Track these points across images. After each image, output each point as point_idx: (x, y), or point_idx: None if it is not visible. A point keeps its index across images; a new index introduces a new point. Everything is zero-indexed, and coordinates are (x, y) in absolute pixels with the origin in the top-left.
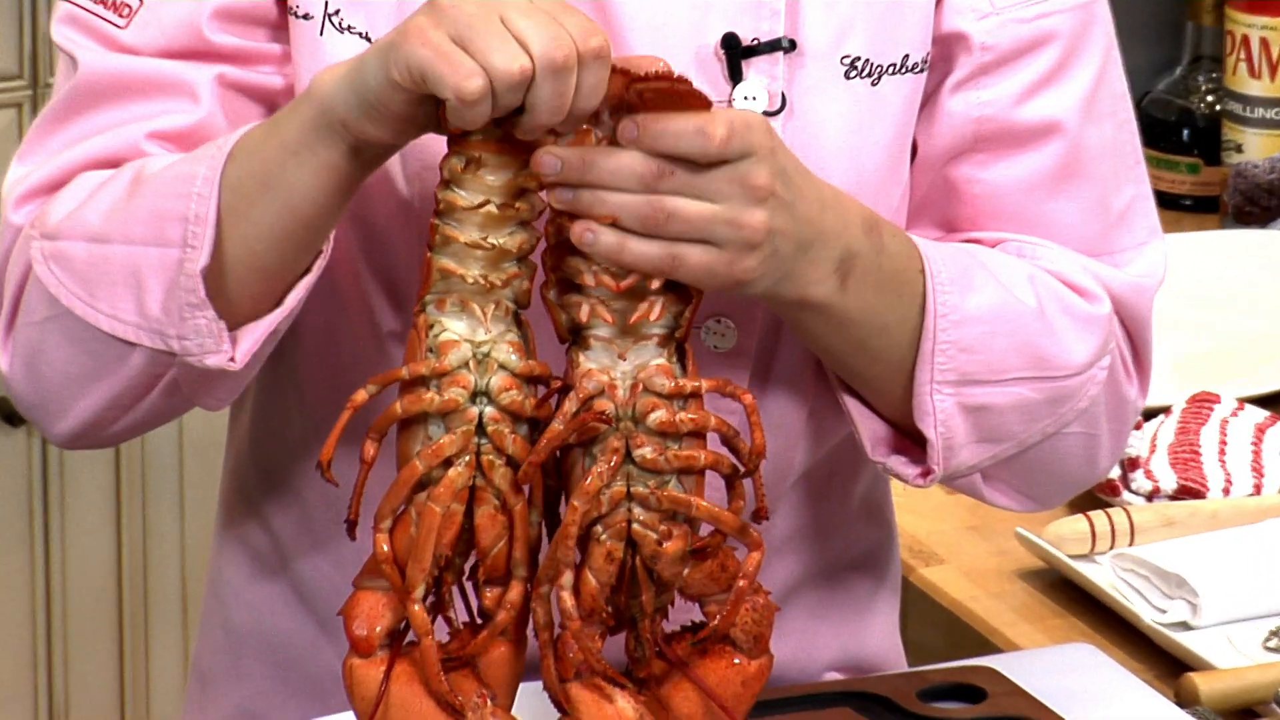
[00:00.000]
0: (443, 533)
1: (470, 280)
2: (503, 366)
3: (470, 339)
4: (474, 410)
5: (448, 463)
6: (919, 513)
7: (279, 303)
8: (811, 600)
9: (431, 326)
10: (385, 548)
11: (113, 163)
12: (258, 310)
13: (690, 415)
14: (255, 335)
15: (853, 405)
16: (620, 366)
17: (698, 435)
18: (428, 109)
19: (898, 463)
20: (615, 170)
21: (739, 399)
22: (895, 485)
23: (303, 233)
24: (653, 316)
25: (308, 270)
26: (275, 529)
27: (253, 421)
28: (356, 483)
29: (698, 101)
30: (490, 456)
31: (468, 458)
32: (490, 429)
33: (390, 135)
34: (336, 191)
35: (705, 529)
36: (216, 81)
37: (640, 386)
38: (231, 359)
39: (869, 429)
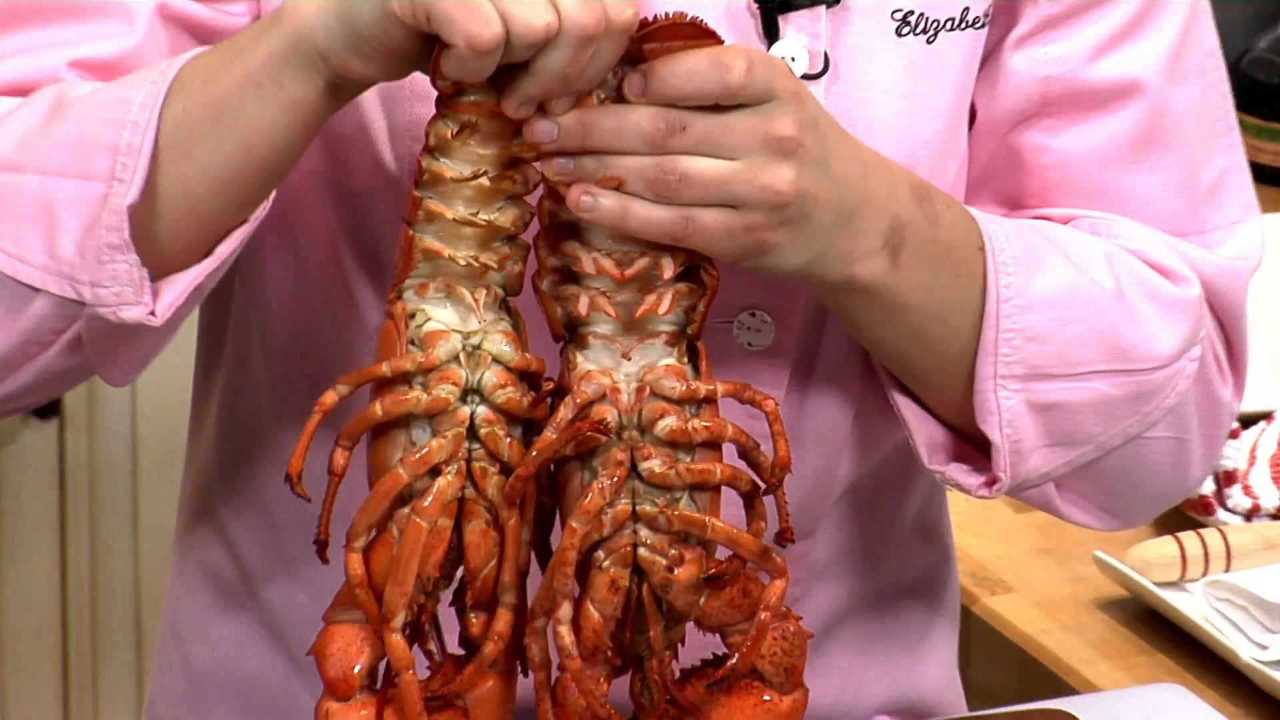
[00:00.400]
0: (429, 551)
1: (460, 262)
2: (496, 360)
3: (459, 329)
4: (465, 410)
5: (434, 471)
6: (982, 533)
7: (209, 253)
8: (858, 633)
9: (413, 316)
10: (359, 570)
11: (25, 91)
12: (185, 261)
13: (704, 423)
14: (180, 288)
15: (906, 406)
16: (624, 367)
17: (713, 446)
18: (423, 46)
19: (958, 471)
20: (620, 130)
21: (759, 405)
22: (954, 501)
23: (255, 177)
24: (661, 310)
25: (247, 220)
26: (242, 552)
27: (218, 427)
28: (325, 497)
29: (711, 40)
30: (483, 463)
31: (458, 465)
32: (483, 431)
33: (379, 72)
34: (301, 132)
35: (722, 553)
36: (157, 12)
37: (647, 390)
38: (152, 313)
39: (925, 433)
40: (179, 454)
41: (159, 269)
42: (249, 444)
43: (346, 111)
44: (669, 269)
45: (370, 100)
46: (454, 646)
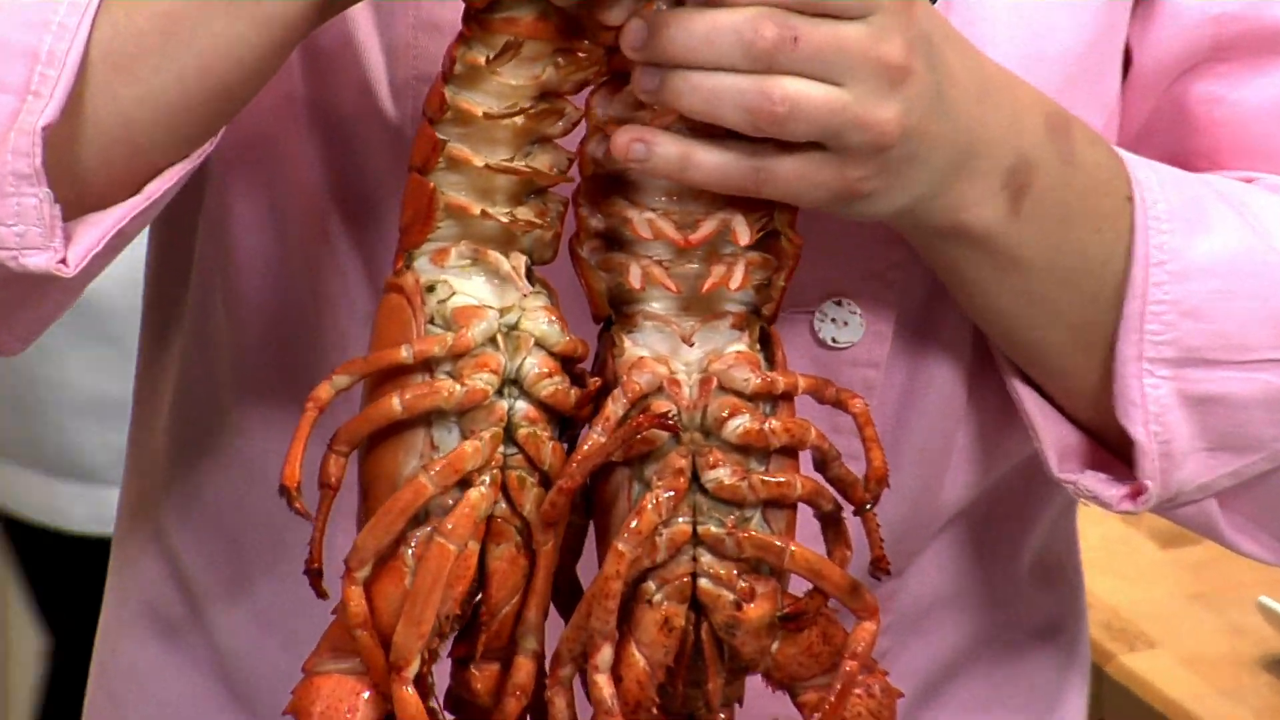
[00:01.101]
0: (454, 581)
1: (499, 219)
2: (539, 343)
3: (492, 303)
4: (503, 405)
5: (464, 481)
6: (1119, 574)
7: (138, 190)
8: (963, 693)
9: (431, 289)
10: (362, 607)
11: None
12: (107, 199)
13: (783, 424)
14: (99, 231)
15: (1029, 399)
16: (684, 354)
17: (789, 453)
18: None
19: (1094, 480)
20: (713, 35)
21: (845, 406)
22: (1086, 534)
23: (210, 104)
24: (733, 285)
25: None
26: (196, 584)
27: (170, 419)
28: (318, 516)
29: None
30: (520, 471)
31: (492, 473)
32: (522, 432)
33: None
34: (274, 53)
35: (797, 586)
36: None
37: (714, 383)
38: (62, 261)
39: (1053, 434)
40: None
41: (74, 207)
42: (206, 439)
43: (331, 22)
44: (744, 234)
45: (359, 8)
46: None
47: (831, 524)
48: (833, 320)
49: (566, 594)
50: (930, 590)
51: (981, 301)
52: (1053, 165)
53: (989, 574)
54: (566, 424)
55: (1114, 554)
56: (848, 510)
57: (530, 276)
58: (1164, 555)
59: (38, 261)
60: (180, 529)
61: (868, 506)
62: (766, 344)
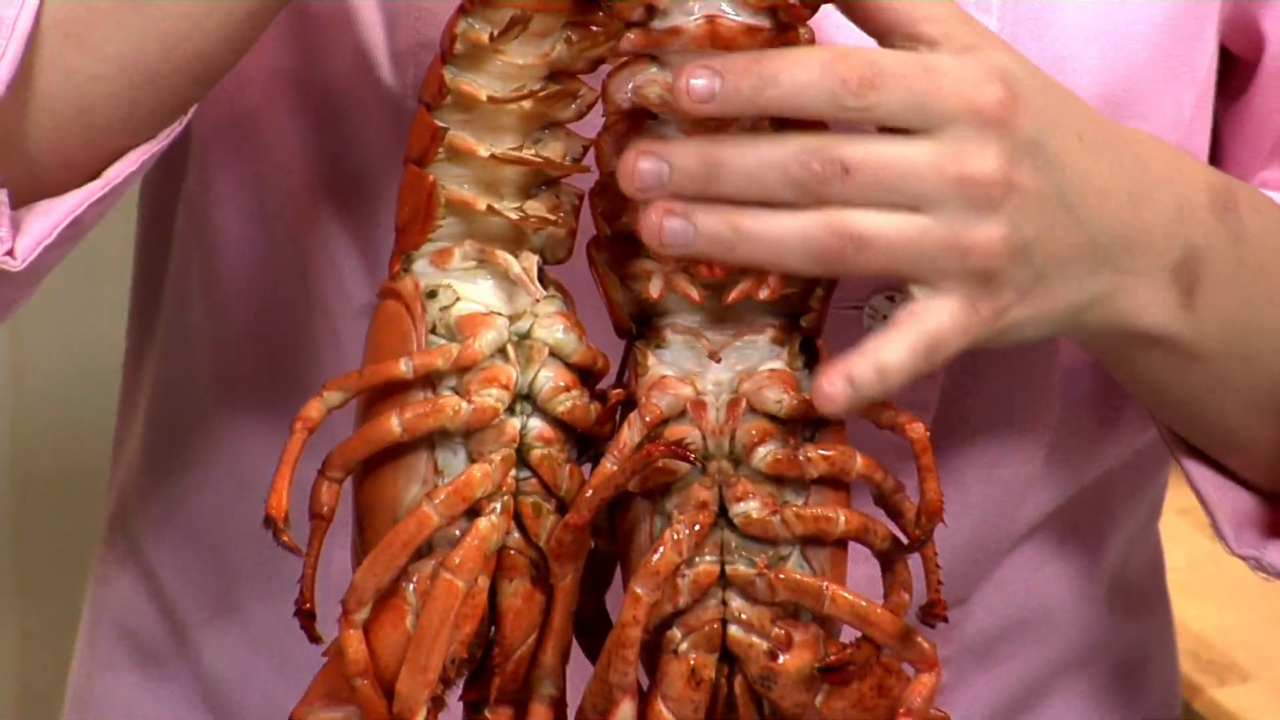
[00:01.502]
0: (460, 623)
1: (507, 216)
2: (554, 353)
3: (501, 310)
4: (515, 424)
5: (473, 509)
6: (1209, 598)
7: (97, 174)
8: None
9: (432, 294)
10: (362, 652)
11: None
12: (63, 184)
13: (823, 452)
14: (52, 220)
15: (1201, 475)
16: (712, 373)
17: (835, 484)
18: None
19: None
20: (757, 172)
21: (902, 431)
22: (1171, 552)
23: (174, 79)
24: (763, 294)
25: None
26: (177, 606)
27: (146, 425)
28: (309, 550)
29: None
30: (535, 498)
31: (504, 500)
32: (536, 454)
33: None
34: (250, 24)
35: (846, 633)
36: None
37: (743, 404)
38: (10, 253)
39: (1229, 505)
40: (91, 480)
41: (25, 193)
42: (186, 446)
43: None
44: None
45: None
46: None
47: (887, 564)
48: (884, 317)
49: (592, 631)
50: (997, 618)
51: (1159, 394)
52: (1223, 248)
53: (1063, 598)
54: (587, 443)
55: (1202, 576)
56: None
57: (543, 279)
58: (1258, 577)
59: None
60: (159, 546)
61: (922, 543)
62: (812, 360)
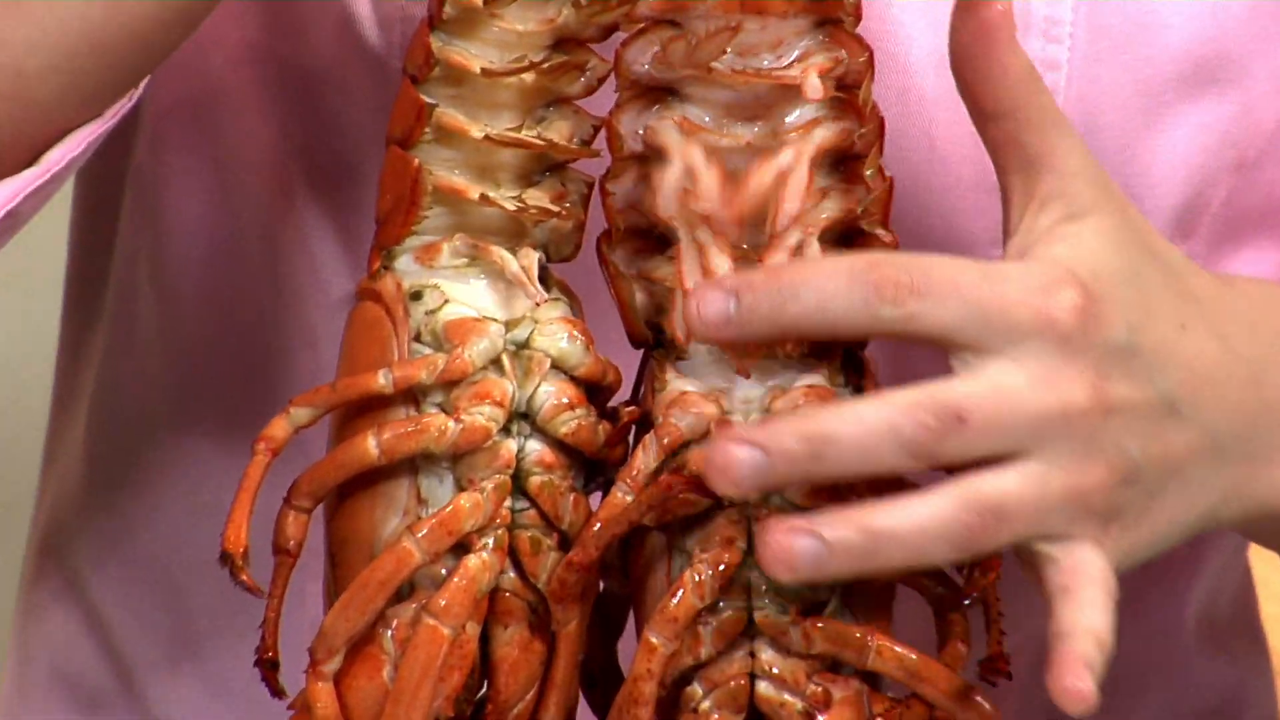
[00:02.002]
0: (446, 675)
1: (504, 206)
2: (557, 365)
3: (496, 315)
4: (510, 447)
5: (461, 545)
6: None
7: (36, 159)
8: None
9: (417, 296)
10: (332, 708)
11: None
12: (0, 169)
13: (869, 481)
14: None
15: None
16: (740, 390)
17: None
18: None
19: None
20: (866, 441)
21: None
22: (1267, 584)
23: (122, 51)
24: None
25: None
26: (124, 645)
27: (86, 438)
28: (272, 590)
29: None
30: (534, 532)
31: (496, 534)
32: (535, 481)
33: None
34: None
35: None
36: None
37: None
38: None
39: None
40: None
41: None
42: (134, 462)
43: None
44: (808, 226)
45: None
46: None
47: (941, 612)
48: None
49: (601, 685)
50: None
51: None
52: None
53: (1143, 643)
54: (595, 469)
55: None
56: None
57: (546, 279)
58: None
59: None
60: (101, 577)
61: (975, 596)
62: (856, 375)
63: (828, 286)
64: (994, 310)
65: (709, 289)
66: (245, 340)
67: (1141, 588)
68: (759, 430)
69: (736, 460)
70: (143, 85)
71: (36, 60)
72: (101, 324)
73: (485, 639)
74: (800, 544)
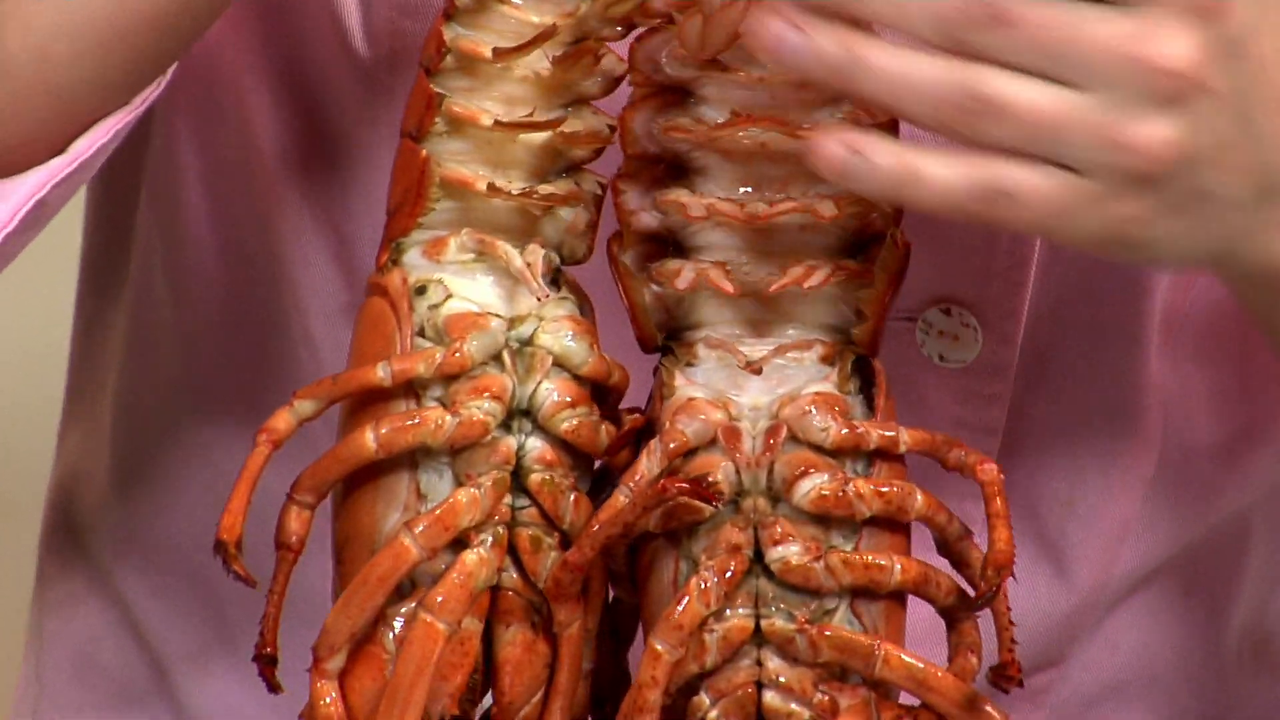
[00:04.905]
0: (448, 673)
1: (511, 197)
2: (559, 363)
3: (500, 311)
4: (509, 443)
5: (458, 541)
6: None
7: (63, 149)
8: None
9: (421, 290)
10: (334, 707)
11: None
12: (25, 159)
13: (877, 487)
14: (10, 205)
15: None
16: (749, 395)
17: (891, 527)
18: None
19: None
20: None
21: (970, 472)
22: None
23: (149, 34)
24: (811, 282)
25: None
26: (156, 645)
27: (114, 441)
28: (272, 589)
29: None
30: (534, 530)
31: (495, 531)
32: (535, 478)
33: None
34: None
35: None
36: None
37: (784, 432)
38: None
39: None
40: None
41: None
42: (158, 457)
43: None
44: (828, 206)
45: None
46: None
47: (953, 622)
48: (939, 332)
49: (612, 695)
50: (1099, 678)
51: None
52: None
53: (1182, 655)
54: (607, 476)
55: None
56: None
57: (559, 279)
58: None
59: None
60: (128, 570)
61: (988, 599)
62: (867, 382)
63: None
64: None
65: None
66: (256, 338)
67: (1180, 608)
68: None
69: (789, 37)
70: (170, 72)
71: (62, 46)
72: (118, 314)
73: (490, 639)
74: (789, 34)
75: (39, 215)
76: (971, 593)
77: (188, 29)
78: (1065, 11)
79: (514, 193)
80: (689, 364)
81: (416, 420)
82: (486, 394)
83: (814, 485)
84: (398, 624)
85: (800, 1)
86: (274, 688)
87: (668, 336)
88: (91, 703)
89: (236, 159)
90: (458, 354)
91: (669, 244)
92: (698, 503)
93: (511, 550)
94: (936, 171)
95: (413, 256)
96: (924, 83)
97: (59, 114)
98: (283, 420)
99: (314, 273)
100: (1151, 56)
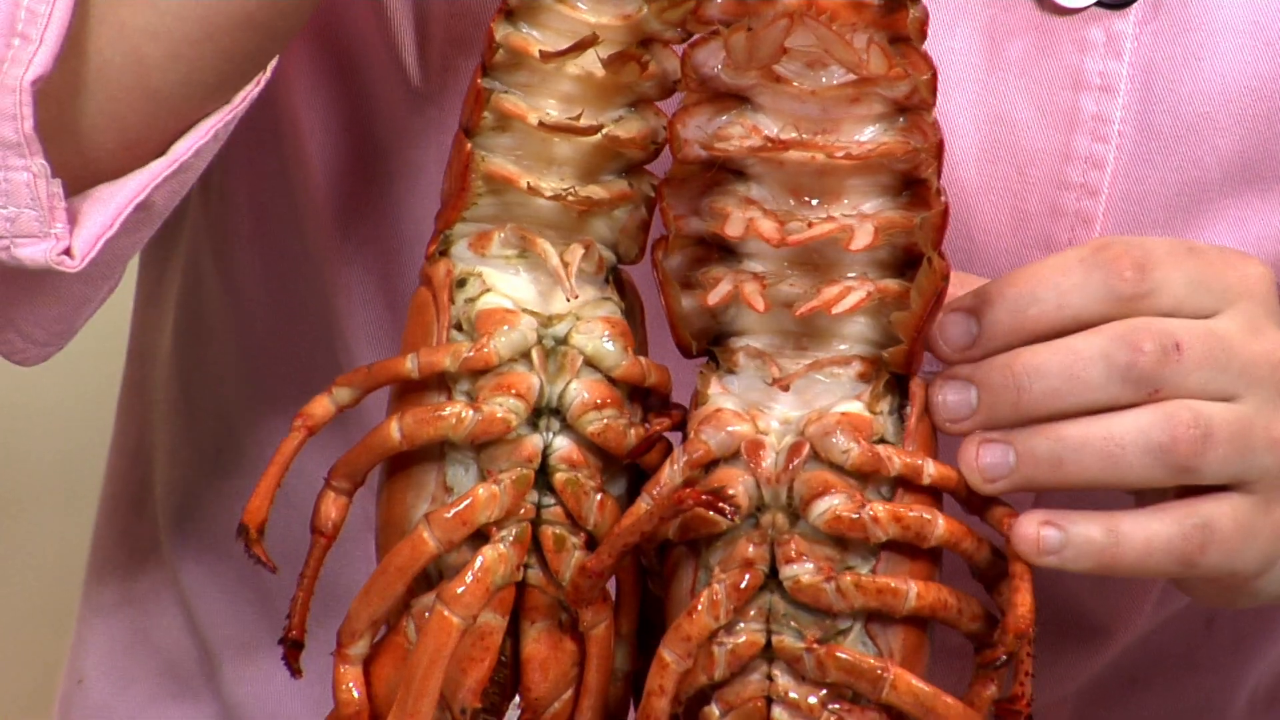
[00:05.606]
0: (467, 666)
1: (547, 195)
2: (590, 363)
3: (535, 308)
4: (535, 441)
5: (481, 535)
6: None
7: (162, 152)
8: None
9: (462, 283)
10: (355, 692)
11: None
12: (123, 165)
13: (894, 513)
14: (111, 209)
15: None
16: (778, 409)
17: (914, 553)
18: None
19: None
20: (1078, 368)
21: (999, 527)
22: None
23: (241, 34)
24: (847, 305)
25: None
26: (212, 634)
27: (173, 437)
28: (304, 573)
29: None
30: (559, 529)
31: (517, 528)
32: (560, 477)
33: None
34: None
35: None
36: None
37: (806, 450)
38: (66, 252)
39: None
40: (88, 469)
41: (81, 179)
42: (215, 452)
43: None
44: (864, 235)
45: None
46: None
47: (979, 646)
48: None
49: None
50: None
51: None
52: None
53: (1197, 706)
54: (637, 479)
55: None
56: None
57: (619, 279)
58: None
59: (33, 253)
60: (192, 566)
61: (1004, 662)
62: (899, 403)
63: (1063, 282)
64: (1211, 275)
65: (954, 319)
66: (307, 340)
67: (1197, 650)
68: (972, 368)
69: (947, 400)
70: (270, 69)
71: (156, 48)
72: (169, 310)
73: (516, 634)
74: (988, 452)
75: (144, 217)
76: (999, 616)
77: (280, 27)
78: (1210, 329)
79: (549, 194)
80: (729, 371)
81: (438, 413)
82: (511, 391)
83: (829, 505)
84: (426, 615)
85: (986, 414)
86: (295, 672)
87: (712, 342)
88: (139, 677)
89: (285, 188)
90: (484, 350)
91: (715, 248)
92: (714, 515)
93: (538, 547)
94: (1137, 528)
95: (460, 249)
96: (1138, 435)
97: (157, 116)
98: (320, 406)
99: (351, 281)
100: (1270, 354)
